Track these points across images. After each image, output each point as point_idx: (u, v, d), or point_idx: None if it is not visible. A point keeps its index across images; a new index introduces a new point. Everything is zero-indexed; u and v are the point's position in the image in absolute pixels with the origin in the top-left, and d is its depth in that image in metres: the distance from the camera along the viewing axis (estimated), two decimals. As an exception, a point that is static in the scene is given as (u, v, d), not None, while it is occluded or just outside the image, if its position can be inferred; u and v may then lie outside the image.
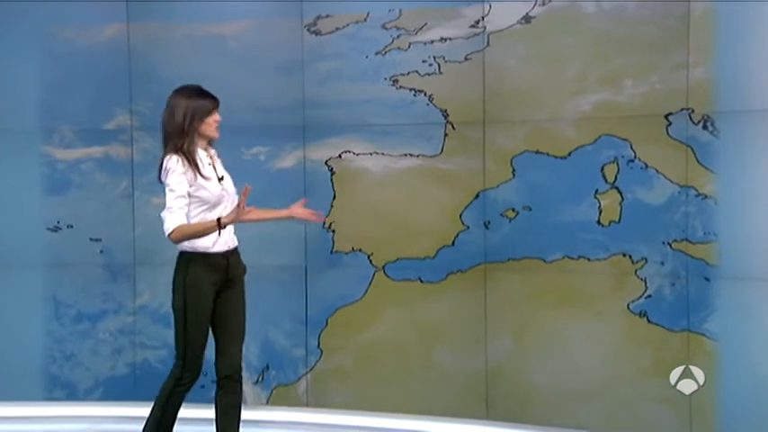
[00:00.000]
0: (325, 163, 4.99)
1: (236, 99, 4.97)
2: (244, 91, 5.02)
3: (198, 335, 3.85)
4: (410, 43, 4.85)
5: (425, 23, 4.82)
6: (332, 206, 4.98)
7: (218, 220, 3.74)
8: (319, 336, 5.03)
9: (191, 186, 3.76)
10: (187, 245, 3.81)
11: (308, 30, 4.97)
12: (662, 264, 4.47)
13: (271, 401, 5.12)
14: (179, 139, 3.77)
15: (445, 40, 4.79)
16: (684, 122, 4.39)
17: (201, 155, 3.87)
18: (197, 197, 3.80)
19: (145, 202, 5.09)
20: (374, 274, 4.94)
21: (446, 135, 4.82)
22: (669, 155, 4.42)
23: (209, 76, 4.90)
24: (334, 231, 5.00)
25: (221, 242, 3.87)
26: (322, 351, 5.04)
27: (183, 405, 4.83)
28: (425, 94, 4.83)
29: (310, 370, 5.06)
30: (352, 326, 4.98)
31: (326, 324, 5.02)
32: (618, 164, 4.53)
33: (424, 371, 4.90)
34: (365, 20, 4.90)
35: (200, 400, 4.95)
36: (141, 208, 5.12)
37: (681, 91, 4.39)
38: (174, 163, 3.74)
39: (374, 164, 4.92)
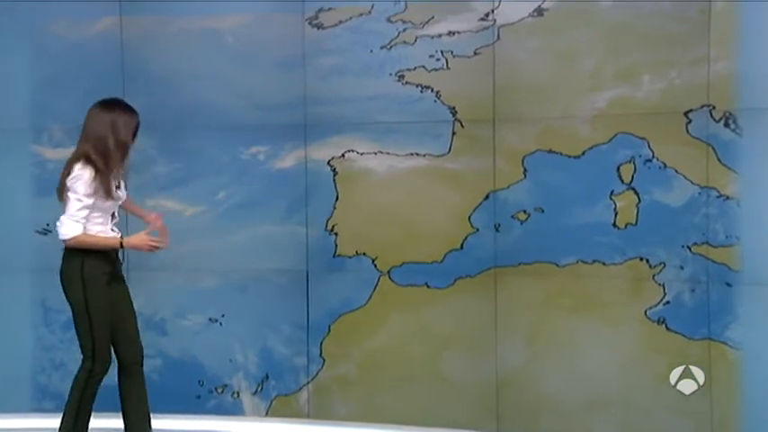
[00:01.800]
0: (328, 163, 4.91)
1: (234, 96, 4.96)
2: (242, 88, 4.96)
3: (103, 326, 4.09)
4: (417, 37, 4.77)
5: (432, 16, 4.74)
6: (334, 208, 4.91)
7: (121, 240, 4.12)
8: (321, 343, 4.96)
9: (97, 199, 4.04)
10: None
11: (310, 23, 4.90)
12: (681, 268, 4.40)
13: (270, 413, 5.03)
14: (111, 155, 4.04)
15: (453, 33, 4.72)
16: (705, 120, 4.32)
17: None
18: (98, 206, 4.07)
19: (139, 204, 4.92)
20: (379, 279, 4.87)
21: (454, 133, 4.75)
22: (689, 154, 4.35)
23: (205, 72, 4.99)
24: (336, 234, 4.91)
25: (112, 236, 4.15)
26: (324, 359, 4.96)
27: (179, 416, 4.74)
28: (432, 91, 4.75)
29: (312, 379, 4.99)
30: (355, 333, 4.90)
31: (329, 331, 4.95)
32: (635, 163, 4.46)
33: (430, 380, 4.84)
34: (369, 12, 4.82)
35: (197, 411, 5.03)
36: (135, 210, 5.01)
37: (701, 87, 4.32)
38: (88, 173, 3.99)
39: (379, 164, 4.84)
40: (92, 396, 4.18)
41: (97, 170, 4.01)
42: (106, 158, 4.04)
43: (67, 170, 4.08)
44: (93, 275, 4.07)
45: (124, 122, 4.08)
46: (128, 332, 4.22)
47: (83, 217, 4.03)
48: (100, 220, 4.12)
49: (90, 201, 4.02)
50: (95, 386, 4.17)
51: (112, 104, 4.15)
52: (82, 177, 4.01)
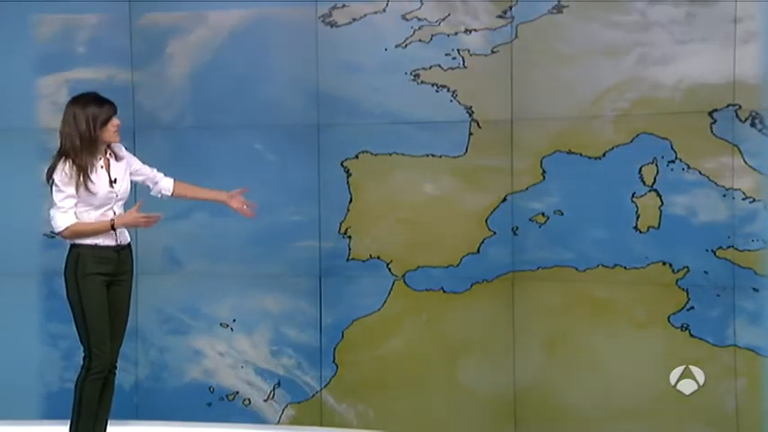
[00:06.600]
0: (341, 164, 4.86)
1: (245, 95, 4.93)
2: (253, 86, 4.94)
3: (97, 325, 4.08)
4: (432, 35, 4.73)
5: (449, 14, 4.71)
6: (348, 210, 4.87)
7: (112, 221, 4.06)
8: (334, 350, 4.91)
9: (77, 188, 4.03)
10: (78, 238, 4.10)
11: (323, 21, 4.87)
12: (705, 273, 4.36)
13: (282, 420, 4.99)
14: (78, 148, 4.02)
15: (470, 31, 4.69)
16: (730, 120, 4.29)
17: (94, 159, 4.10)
18: (81, 198, 4.05)
19: (149, 207, 4.86)
20: (393, 284, 4.83)
21: (471, 134, 4.72)
22: (714, 155, 4.32)
23: (216, 69, 4.96)
24: (350, 238, 4.87)
25: (111, 236, 4.11)
26: (337, 366, 4.92)
27: (189, 424, 4.69)
28: (449, 90, 4.72)
29: (325, 386, 4.94)
30: (369, 339, 4.87)
31: (342, 337, 4.90)
32: (657, 165, 4.42)
33: (447, 388, 4.80)
34: (384, 10, 4.79)
35: (207, 419, 4.99)
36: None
37: (727, 85, 4.28)
38: (61, 164, 4.02)
39: (393, 165, 4.80)
40: (93, 397, 4.13)
41: (72, 161, 4.00)
42: (75, 150, 4.02)
43: (50, 164, 4.09)
44: (87, 274, 4.04)
45: (87, 115, 4.04)
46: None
47: (70, 207, 4.02)
48: (93, 215, 4.07)
49: (71, 190, 4.00)
50: (94, 385, 4.11)
51: (78, 98, 4.12)
52: (57, 168, 4.01)
